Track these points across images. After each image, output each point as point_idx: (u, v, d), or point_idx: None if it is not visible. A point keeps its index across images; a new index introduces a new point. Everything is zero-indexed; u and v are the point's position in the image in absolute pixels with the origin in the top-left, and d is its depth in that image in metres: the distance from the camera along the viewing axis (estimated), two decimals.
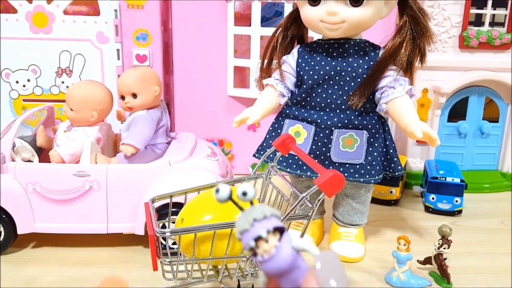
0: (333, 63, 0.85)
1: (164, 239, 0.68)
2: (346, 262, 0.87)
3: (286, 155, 0.88)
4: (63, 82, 1.22)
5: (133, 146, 0.91)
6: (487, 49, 1.15)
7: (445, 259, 0.82)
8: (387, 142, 0.89)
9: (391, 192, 1.11)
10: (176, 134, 1.05)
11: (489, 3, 1.14)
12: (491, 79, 1.16)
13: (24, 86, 1.22)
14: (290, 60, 0.90)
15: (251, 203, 0.34)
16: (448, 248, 0.81)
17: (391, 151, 0.89)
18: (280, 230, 0.32)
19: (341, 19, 0.82)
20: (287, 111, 0.90)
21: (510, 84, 1.17)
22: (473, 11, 1.14)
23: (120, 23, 1.17)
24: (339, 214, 0.94)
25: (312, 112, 0.87)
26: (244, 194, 0.33)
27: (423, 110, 1.17)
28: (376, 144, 0.87)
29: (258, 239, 0.31)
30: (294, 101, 0.89)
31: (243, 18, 1.26)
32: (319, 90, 0.86)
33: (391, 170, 0.89)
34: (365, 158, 0.86)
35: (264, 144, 0.92)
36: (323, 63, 0.86)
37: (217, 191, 0.33)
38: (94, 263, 0.86)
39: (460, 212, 1.08)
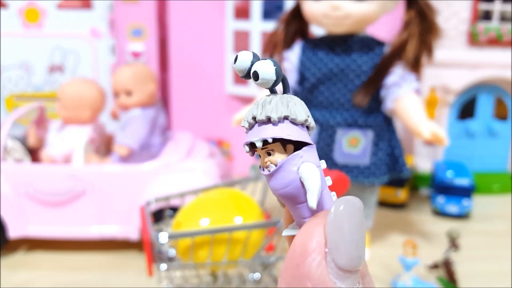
0: (337, 60, 0.84)
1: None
2: None
3: None
4: (55, 80, 1.19)
5: (127, 146, 0.90)
6: (496, 46, 1.12)
7: (453, 263, 0.80)
8: (393, 142, 0.87)
9: (397, 194, 1.08)
10: (173, 133, 1.02)
11: None
12: (500, 76, 1.13)
13: (16, 83, 1.18)
14: (292, 56, 0.88)
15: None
16: (455, 251, 0.79)
17: (397, 151, 0.87)
18: (296, 143, 0.23)
19: (345, 13, 0.80)
20: None
21: None
22: (482, 6, 1.11)
23: (114, 17, 1.14)
24: None
25: (315, 111, 0.85)
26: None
27: (430, 109, 1.14)
28: (381, 144, 0.85)
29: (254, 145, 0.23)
30: None
31: (242, 12, 1.23)
32: (322, 89, 0.84)
33: (397, 171, 0.87)
34: (370, 159, 0.84)
35: None
36: (326, 60, 0.84)
37: (235, 60, 0.23)
38: (88, 268, 0.84)
39: (469, 215, 1.05)
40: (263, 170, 0.23)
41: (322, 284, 0.17)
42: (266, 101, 0.23)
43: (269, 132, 0.23)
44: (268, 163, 0.22)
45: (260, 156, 0.23)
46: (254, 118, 0.23)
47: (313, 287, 0.17)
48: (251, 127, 0.23)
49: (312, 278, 0.17)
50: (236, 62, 0.23)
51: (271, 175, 0.22)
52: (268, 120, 0.23)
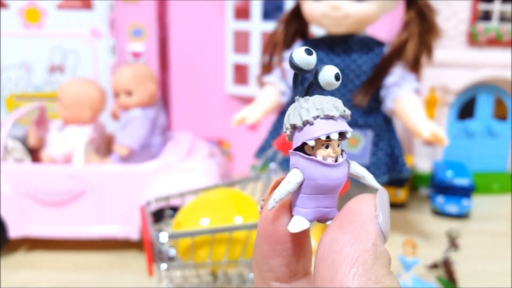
0: (337, 61, 0.84)
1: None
2: None
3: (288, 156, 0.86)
4: (56, 80, 1.19)
5: (128, 146, 0.89)
6: (496, 46, 1.12)
7: (453, 263, 0.80)
8: (393, 142, 0.86)
9: (397, 194, 1.08)
10: (173, 133, 1.02)
11: None
12: (499, 76, 1.13)
13: (16, 83, 1.18)
14: None
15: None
16: (455, 251, 0.79)
17: (397, 151, 0.86)
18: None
19: (345, 14, 0.80)
20: None
21: None
22: (481, 6, 1.11)
23: (115, 17, 1.14)
24: None
25: None
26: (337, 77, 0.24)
27: (430, 109, 1.14)
28: (381, 144, 0.85)
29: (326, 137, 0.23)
30: None
31: (242, 12, 1.23)
32: None
33: (396, 171, 0.87)
34: (370, 158, 0.84)
35: (265, 144, 0.90)
36: (326, 60, 0.84)
37: (309, 52, 0.23)
38: (88, 268, 0.84)
39: (468, 214, 1.05)
40: (323, 159, 0.24)
41: (372, 234, 0.23)
42: (331, 98, 0.25)
43: (348, 126, 0.24)
44: (337, 153, 0.24)
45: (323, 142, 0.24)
46: (344, 110, 0.24)
47: (365, 235, 0.22)
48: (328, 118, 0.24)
49: (367, 228, 0.23)
50: (313, 55, 0.23)
51: (338, 165, 0.24)
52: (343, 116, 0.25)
